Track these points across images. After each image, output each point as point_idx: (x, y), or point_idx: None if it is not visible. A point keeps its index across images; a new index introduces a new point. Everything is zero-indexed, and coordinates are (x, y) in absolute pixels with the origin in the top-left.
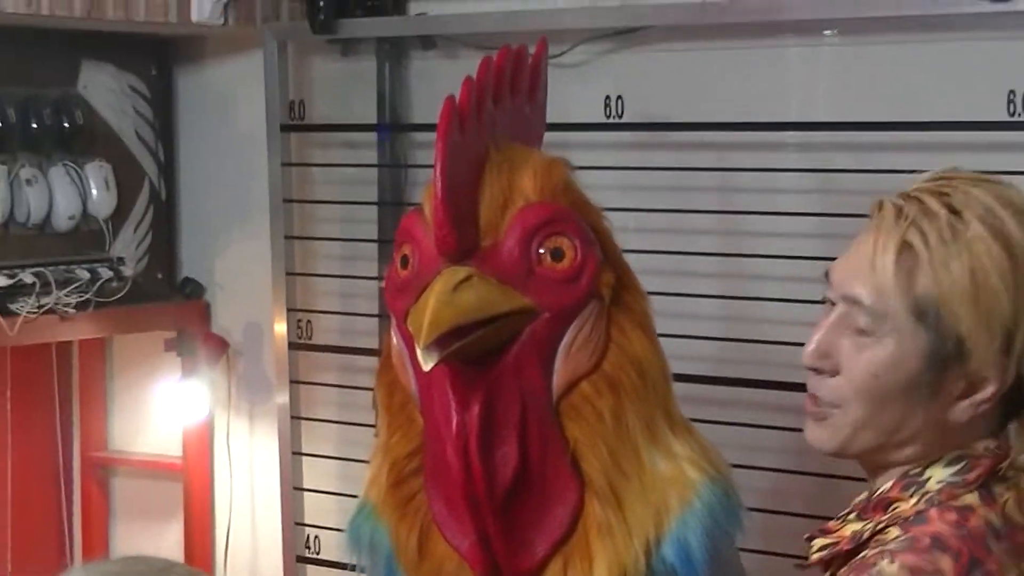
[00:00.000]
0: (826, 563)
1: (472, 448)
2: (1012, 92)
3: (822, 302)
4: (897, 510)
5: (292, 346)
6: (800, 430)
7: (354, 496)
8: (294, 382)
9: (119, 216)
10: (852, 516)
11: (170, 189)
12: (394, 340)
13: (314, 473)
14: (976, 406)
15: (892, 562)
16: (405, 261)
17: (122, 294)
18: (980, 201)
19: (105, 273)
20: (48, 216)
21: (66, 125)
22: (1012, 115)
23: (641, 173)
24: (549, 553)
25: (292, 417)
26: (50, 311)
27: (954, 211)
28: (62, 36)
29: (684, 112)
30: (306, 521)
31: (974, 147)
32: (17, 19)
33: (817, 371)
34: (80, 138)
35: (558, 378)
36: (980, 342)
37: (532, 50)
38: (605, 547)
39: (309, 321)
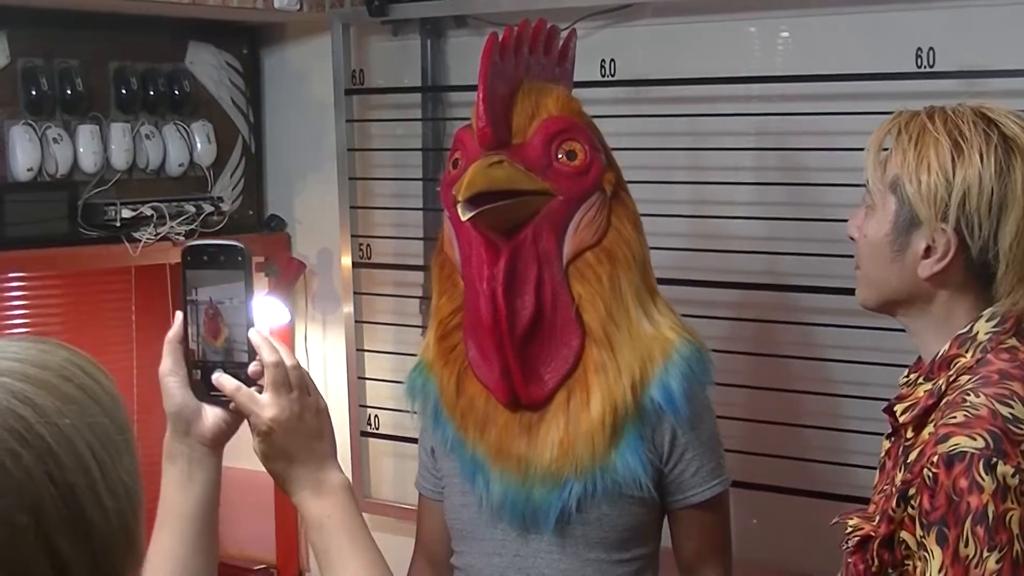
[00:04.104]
0: (903, 426)
1: (498, 295)
2: (919, 49)
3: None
4: (960, 363)
5: (355, 265)
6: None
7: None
8: (357, 294)
9: (218, 164)
10: (920, 380)
11: (258, 143)
12: (445, 226)
13: (373, 365)
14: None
15: (977, 396)
16: (456, 163)
17: (220, 226)
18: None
19: (207, 208)
20: (163, 164)
21: (176, 92)
22: (919, 67)
23: (629, 120)
24: (556, 385)
25: (356, 321)
26: (164, 238)
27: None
28: (173, 22)
29: (663, 72)
30: (367, 403)
31: (890, 96)
32: (138, 7)
33: None
34: (187, 103)
35: (568, 247)
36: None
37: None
38: (600, 382)
39: (369, 245)
